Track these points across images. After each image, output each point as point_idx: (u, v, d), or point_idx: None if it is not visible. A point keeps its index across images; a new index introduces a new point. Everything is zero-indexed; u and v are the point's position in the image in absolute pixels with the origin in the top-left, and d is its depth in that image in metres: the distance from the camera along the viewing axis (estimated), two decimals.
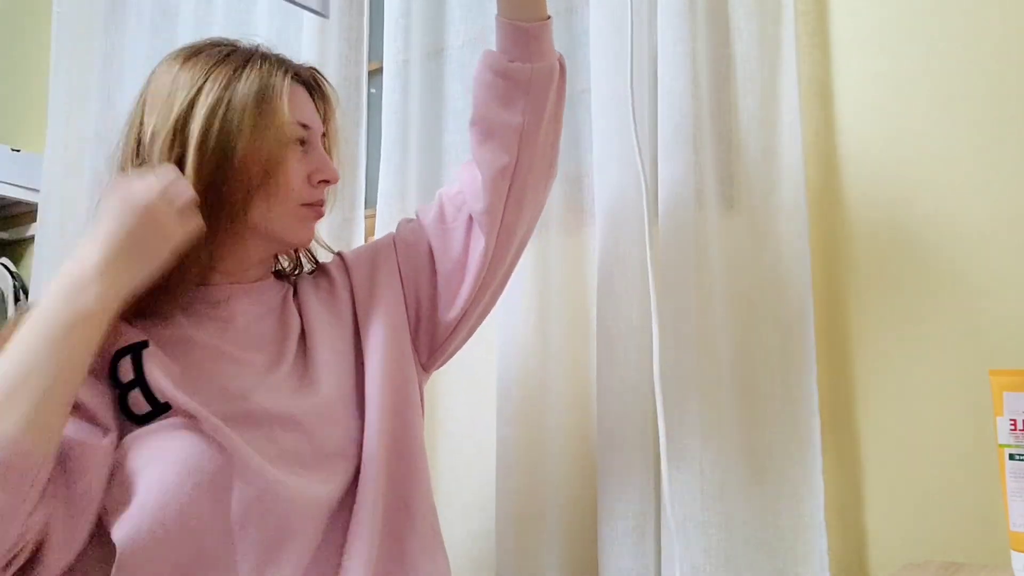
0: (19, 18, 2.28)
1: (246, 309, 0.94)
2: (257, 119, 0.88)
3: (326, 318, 0.97)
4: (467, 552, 1.26)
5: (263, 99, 0.89)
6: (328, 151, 1.00)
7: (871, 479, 1.03)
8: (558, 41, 1.30)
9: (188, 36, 1.71)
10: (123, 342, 0.84)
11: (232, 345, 0.90)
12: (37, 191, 1.94)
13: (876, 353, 1.04)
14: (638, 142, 1.07)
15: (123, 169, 0.94)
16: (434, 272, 1.00)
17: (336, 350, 0.95)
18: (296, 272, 1.04)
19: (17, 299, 1.99)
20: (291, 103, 0.92)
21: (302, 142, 0.95)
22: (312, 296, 0.99)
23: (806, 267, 1.05)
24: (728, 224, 1.12)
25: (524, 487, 1.17)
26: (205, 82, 0.89)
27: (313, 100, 0.99)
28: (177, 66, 0.92)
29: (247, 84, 0.90)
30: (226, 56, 0.92)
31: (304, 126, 0.95)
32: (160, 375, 0.82)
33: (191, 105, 0.88)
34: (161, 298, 0.87)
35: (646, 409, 1.10)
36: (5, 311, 1.97)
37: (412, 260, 1.01)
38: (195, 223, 0.84)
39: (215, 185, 0.87)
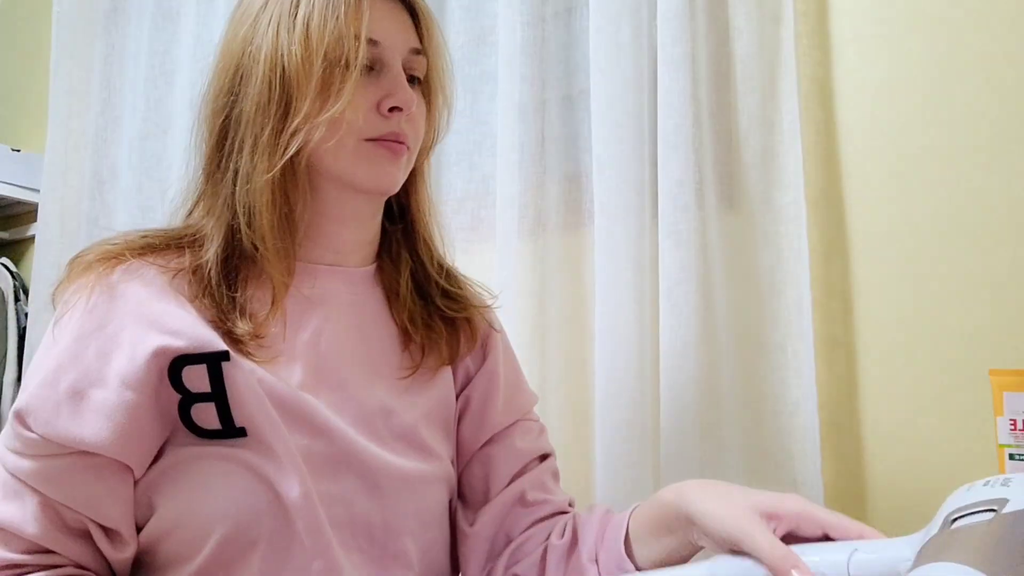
0: (19, 18, 2.28)
1: (339, 294, 0.82)
2: (307, 38, 0.74)
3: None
4: None
5: (320, 11, 0.74)
6: (429, 87, 0.83)
7: (871, 479, 1.03)
8: (558, 41, 1.31)
9: (188, 36, 1.72)
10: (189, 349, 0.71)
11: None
12: (37, 191, 1.94)
13: (876, 353, 1.04)
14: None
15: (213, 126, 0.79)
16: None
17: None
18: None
19: (17, 299, 1.99)
20: (353, 14, 0.75)
21: (371, 65, 0.78)
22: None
23: (806, 267, 1.05)
24: (728, 223, 1.12)
25: None
26: (266, 6, 0.77)
27: (411, 17, 0.82)
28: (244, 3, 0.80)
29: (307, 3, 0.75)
30: None
31: (372, 42, 0.77)
32: (246, 392, 0.71)
33: (252, 35, 0.76)
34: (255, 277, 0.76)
35: (646, 409, 1.10)
36: (5, 311, 1.97)
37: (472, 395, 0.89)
38: None
39: (283, 128, 0.74)
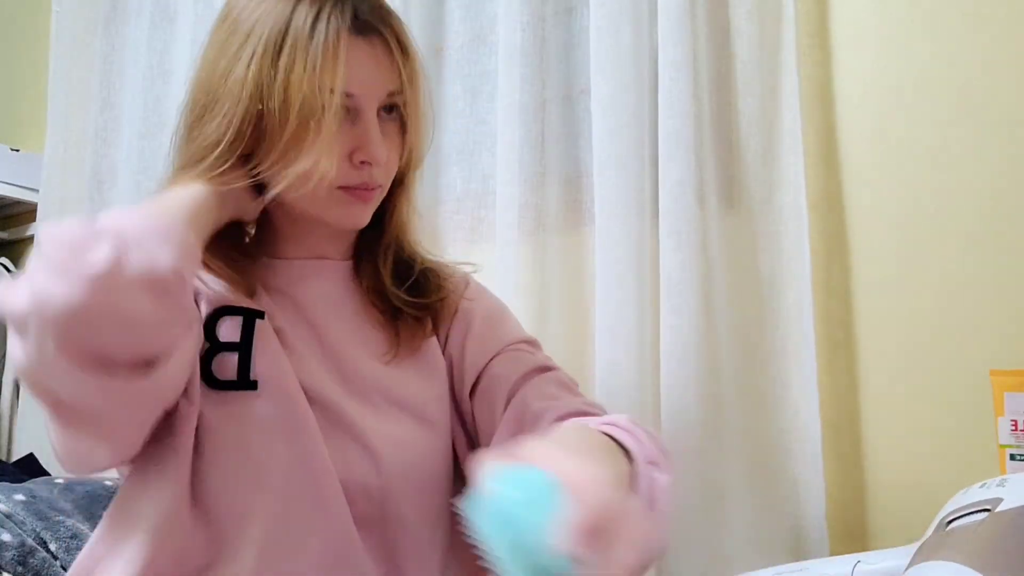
0: (19, 18, 2.28)
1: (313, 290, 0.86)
2: (286, 89, 0.74)
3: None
4: None
5: (296, 59, 0.74)
6: (405, 124, 0.83)
7: (872, 479, 1.03)
8: (558, 41, 1.30)
9: (187, 36, 1.71)
10: (233, 301, 0.79)
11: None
12: (37, 191, 1.94)
13: (876, 353, 1.04)
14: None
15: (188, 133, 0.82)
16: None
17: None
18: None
19: None
20: (331, 64, 0.75)
21: (348, 112, 0.78)
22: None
23: (806, 267, 1.05)
24: (728, 224, 1.12)
25: None
26: (248, 37, 0.77)
27: (392, 56, 0.80)
28: (231, 16, 0.80)
29: (289, 43, 0.75)
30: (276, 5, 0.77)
31: (349, 95, 0.77)
32: (269, 351, 0.78)
33: (232, 65, 0.77)
34: (238, 272, 0.82)
35: (646, 409, 1.10)
36: None
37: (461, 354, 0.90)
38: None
39: (250, 156, 0.78)
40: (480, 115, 1.37)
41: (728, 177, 1.14)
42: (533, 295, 1.22)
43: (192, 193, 0.76)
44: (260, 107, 0.75)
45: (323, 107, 0.74)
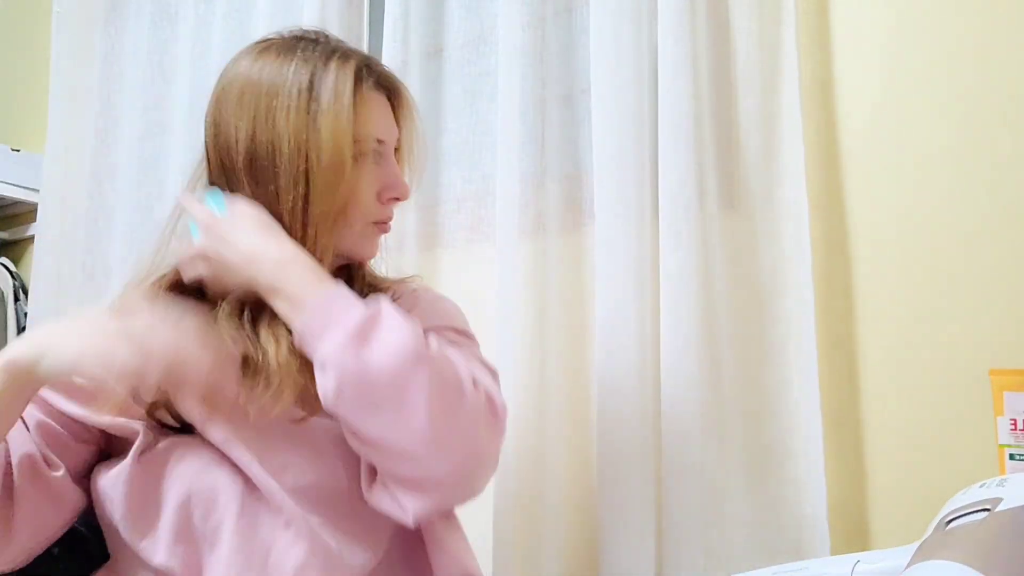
0: (19, 18, 2.28)
1: None
2: (333, 141, 0.83)
3: None
4: None
5: (344, 110, 0.84)
6: (400, 162, 0.95)
7: (872, 478, 1.03)
8: (558, 41, 1.30)
9: (188, 36, 1.71)
10: None
11: None
12: (37, 191, 1.94)
13: (877, 353, 1.04)
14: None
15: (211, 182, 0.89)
16: None
17: None
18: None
19: (17, 299, 1.99)
20: (367, 116, 0.87)
21: (377, 157, 0.89)
22: None
23: (806, 267, 1.05)
24: (728, 224, 1.12)
25: (523, 488, 1.17)
26: (277, 97, 0.84)
27: (392, 106, 0.93)
28: (249, 72, 0.86)
29: (323, 101, 0.83)
30: (302, 60, 0.86)
31: (380, 141, 0.89)
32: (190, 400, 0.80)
33: (265, 122, 0.84)
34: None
35: (646, 409, 1.10)
36: (5, 311, 1.97)
37: None
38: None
39: (291, 213, 0.83)
40: (480, 115, 1.37)
41: (728, 177, 1.14)
42: (533, 295, 1.22)
43: None
44: (306, 164, 0.82)
45: (360, 151, 0.86)
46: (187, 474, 0.78)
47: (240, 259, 0.80)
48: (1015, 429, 0.82)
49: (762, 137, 1.10)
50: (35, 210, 1.93)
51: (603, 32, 1.18)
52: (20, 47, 2.25)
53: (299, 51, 0.87)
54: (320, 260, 0.84)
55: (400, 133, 0.94)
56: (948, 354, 0.99)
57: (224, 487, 0.77)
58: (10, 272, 2.02)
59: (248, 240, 0.80)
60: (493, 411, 0.77)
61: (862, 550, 1.02)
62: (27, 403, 0.77)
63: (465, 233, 1.36)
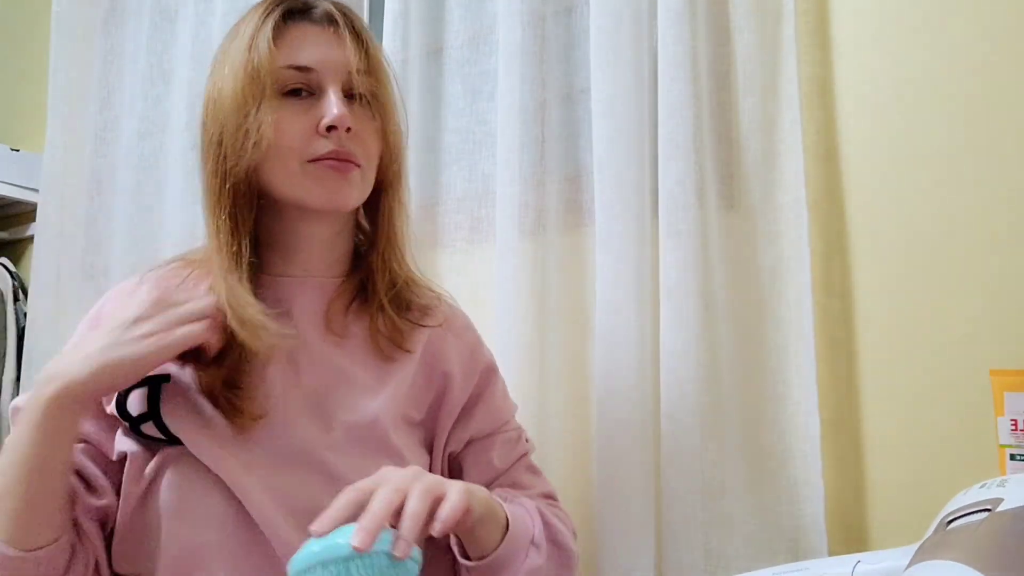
0: (19, 18, 2.28)
1: (304, 308, 0.86)
2: (239, 76, 0.81)
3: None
4: None
5: (243, 50, 0.81)
6: (377, 104, 0.86)
7: (871, 479, 1.03)
8: (558, 41, 1.30)
9: (187, 36, 1.71)
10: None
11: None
12: (37, 191, 1.94)
13: (876, 353, 1.04)
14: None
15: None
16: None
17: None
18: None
19: (16, 299, 1.99)
20: (278, 43, 0.82)
21: (303, 91, 0.83)
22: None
23: (806, 267, 1.05)
24: (728, 224, 1.12)
25: None
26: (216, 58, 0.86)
27: (346, 40, 0.84)
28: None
29: (236, 40, 0.83)
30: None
31: (300, 68, 0.82)
32: (175, 411, 0.78)
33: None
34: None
35: (646, 409, 1.10)
36: (4, 311, 1.97)
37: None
38: (192, 330, 0.76)
39: (222, 158, 0.81)
40: (480, 115, 1.37)
41: (728, 177, 1.14)
42: (533, 295, 1.22)
43: None
44: (214, 105, 0.82)
45: (267, 82, 0.80)
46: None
47: None
48: (1015, 429, 0.82)
49: (762, 137, 1.10)
50: (35, 210, 1.93)
51: (603, 32, 1.18)
52: (20, 47, 2.25)
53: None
54: (254, 212, 0.82)
55: (365, 71, 0.85)
56: (948, 354, 0.99)
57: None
58: (10, 272, 2.02)
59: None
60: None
61: (860, 551, 1.02)
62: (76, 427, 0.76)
63: (465, 233, 1.36)
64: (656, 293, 1.10)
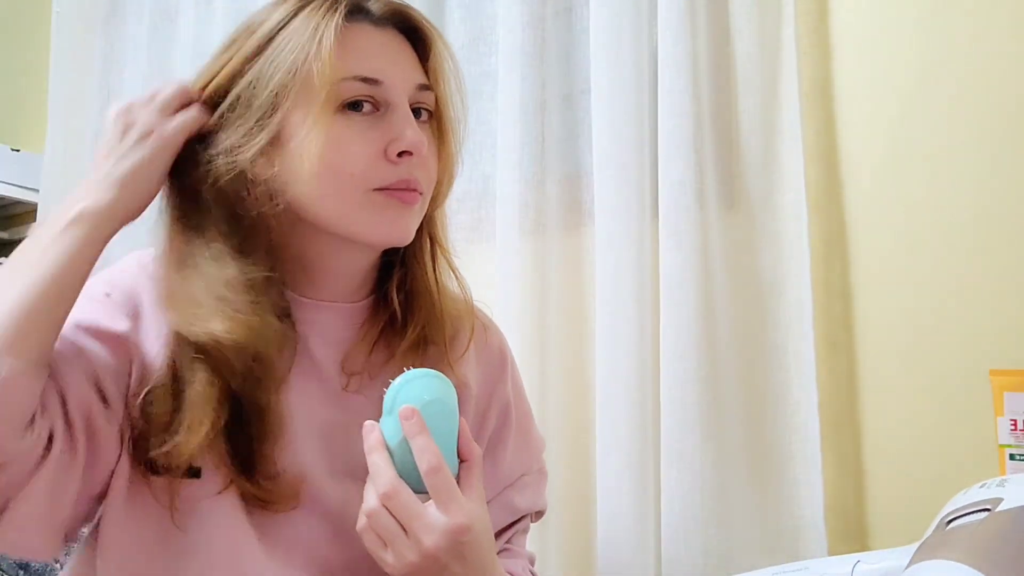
0: (19, 18, 2.28)
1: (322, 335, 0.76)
2: (293, 80, 0.68)
3: None
4: None
5: (297, 49, 0.69)
6: (440, 125, 0.77)
7: (871, 479, 1.03)
8: (558, 41, 1.30)
9: (188, 36, 1.71)
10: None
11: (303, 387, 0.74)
12: (37, 191, 1.94)
13: (876, 353, 1.04)
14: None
15: None
16: None
17: None
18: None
19: None
20: (342, 50, 0.69)
21: (367, 104, 0.71)
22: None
23: (806, 267, 1.05)
24: (728, 224, 1.12)
25: None
26: (249, 36, 0.73)
27: (414, 48, 0.75)
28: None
29: (291, 36, 0.70)
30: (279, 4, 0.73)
31: (367, 80, 0.71)
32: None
33: (238, 66, 0.72)
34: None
35: (646, 409, 1.10)
36: None
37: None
38: (187, 115, 0.71)
39: (259, 169, 0.70)
40: (480, 115, 1.37)
41: (728, 177, 1.14)
42: (533, 295, 1.22)
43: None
44: (270, 120, 0.70)
45: (340, 96, 0.70)
46: None
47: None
48: (1015, 429, 0.82)
49: (762, 137, 1.10)
50: (35, 210, 1.93)
51: (603, 32, 1.19)
52: (20, 47, 2.25)
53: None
54: (338, 254, 0.74)
55: (432, 85, 0.76)
56: (948, 354, 0.99)
57: None
58: None
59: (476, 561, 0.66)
60: None
61: (860, 550, 1.02)
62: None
63: (465, 233, 1.36)
64: (656, 293, 1.10)
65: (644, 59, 1.18)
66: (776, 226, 1.08)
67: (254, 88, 0.71)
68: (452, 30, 1.41)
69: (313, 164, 0.69)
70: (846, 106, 1.10)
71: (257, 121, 0.70)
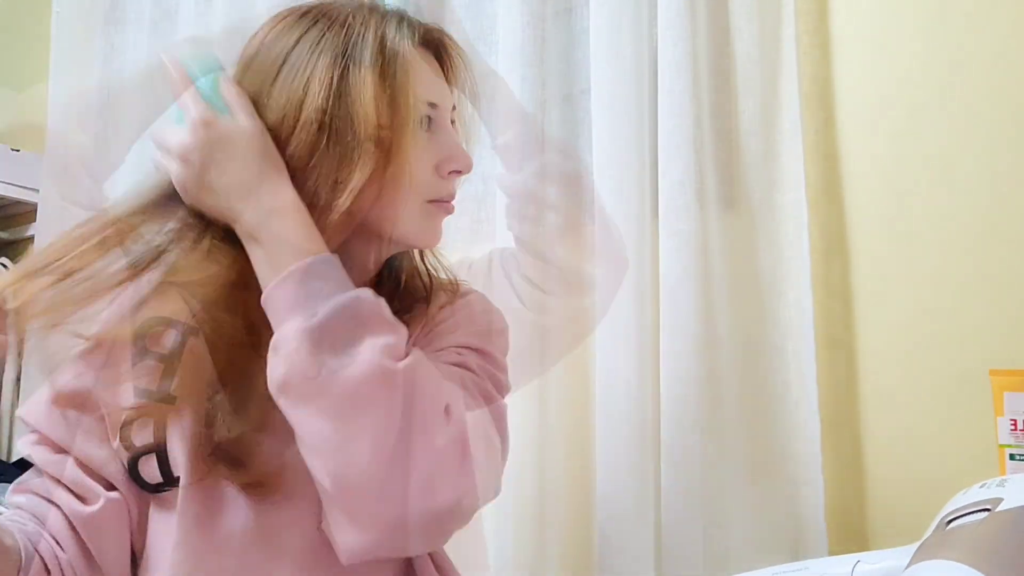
0: (19, 18, 2.28)
1: None
2: (376, 96, 0.71)
3: None
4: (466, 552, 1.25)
5: (383, 73, 0.72)
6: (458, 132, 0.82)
7: (871, 479, 1.03)
8: (558, 41, 1.30)
9: (188, 36, 1.71)
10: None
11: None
12: (37, 191, 1.94)
13: (876, 353, 1.04)
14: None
15: None
16: None
17: None
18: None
19: None
20: (417, 76, 0.75)
21: (429, 123, 0.77)
22: None
23: (806, 267, 1.05)
24: (728, 224, 1.12)
25: (524, 488, 1.17)
26: (320, 56, 0.72)
27: (443, 70, 0.81)
28: (287, 36, 0.75)
29: (365, 51, 0.72)
30: (336, 18, 0.75)
31: (432, 105, 0.77)
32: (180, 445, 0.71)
33: (305, 85, 0.72)
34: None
35: (646, 409, 1.10)
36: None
37: None
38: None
39: (323, 173, 0.71)
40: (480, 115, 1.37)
41: (728, 177, 1.14)
42: None
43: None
44: (348, 131, 0.71)
45: (408, 117, 0.72)
46: None
47: (228, 186, 0.70)
48: (1015, 429, 0.82)
49: (762, 137, 1.10)
50: (35, 210, 1.93)
51: (603, 32, 1.19)
52: (20, 47, 2.25)
53: (332, 16, 0.75)
54: (365, 249, 0.77)
55: (456, 103, 0.82)
56: (948, 354, 0.99)
57: None
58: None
59: (245, 169, 0.70)
60: (461, 454, 0.65)
61: (860, 550, 1.02)
62: None
63: (465, 234, 1.36)
64: (656, 293, 1.10)
65: (644, 59, 1.18)
66: (776, 226, 1.08)
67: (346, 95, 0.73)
68: (452, 30, 1.40)
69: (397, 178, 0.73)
70: (846, 106, 1.10)
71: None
